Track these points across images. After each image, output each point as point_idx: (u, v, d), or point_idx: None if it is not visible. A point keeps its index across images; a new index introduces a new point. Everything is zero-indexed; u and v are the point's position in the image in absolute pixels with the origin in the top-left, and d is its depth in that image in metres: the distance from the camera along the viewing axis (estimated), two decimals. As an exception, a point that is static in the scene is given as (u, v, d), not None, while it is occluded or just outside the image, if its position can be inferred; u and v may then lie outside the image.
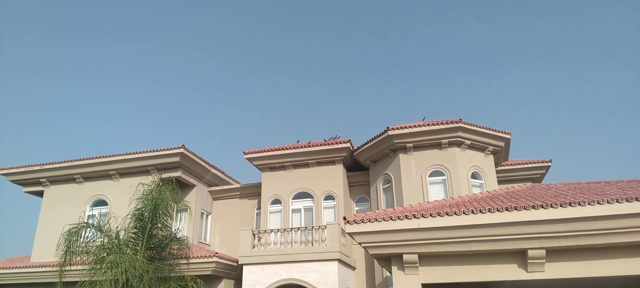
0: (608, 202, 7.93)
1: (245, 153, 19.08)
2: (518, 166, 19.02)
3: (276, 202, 18.88)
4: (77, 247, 14.07)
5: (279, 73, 68.43)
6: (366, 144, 17.70)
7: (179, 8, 64.46)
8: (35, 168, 20.52)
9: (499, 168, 18.48)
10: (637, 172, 47.98)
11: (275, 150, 18.72)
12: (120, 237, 14.44)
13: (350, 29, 65.76)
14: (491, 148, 16.91)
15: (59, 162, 20.21)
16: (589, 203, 8.01)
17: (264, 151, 18.83)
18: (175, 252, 15.15)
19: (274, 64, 68.75)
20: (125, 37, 63.51)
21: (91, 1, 59.99)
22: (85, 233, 14.86)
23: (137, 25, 64.63)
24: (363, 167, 19.07)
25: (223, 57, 68.57)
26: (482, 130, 16.40)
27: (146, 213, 14.38)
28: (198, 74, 66.72)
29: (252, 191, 20.56)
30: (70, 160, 20.01)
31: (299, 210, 18.60)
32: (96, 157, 19.64)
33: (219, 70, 68.50)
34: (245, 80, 68.01)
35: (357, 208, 18.98)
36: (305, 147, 18.41)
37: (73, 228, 14.25)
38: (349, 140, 18.05)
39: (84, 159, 19.79)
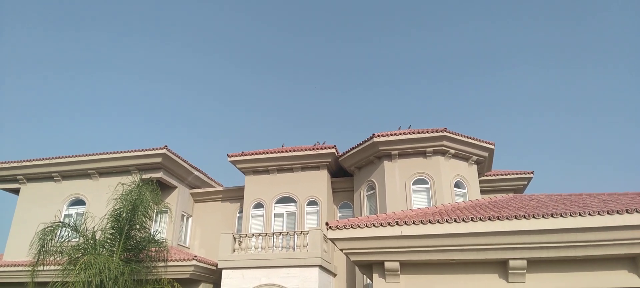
0: (590, 215, 7.92)
1: (229, 156, 18.84)
2: (500, 177, 19.17)
3: (259, 205, 18.65)
4: (51, 246, 13.67)
5: (268, 74, 68.22)
6: (351, 150, 17.62)
7: (168, 3, 63.94)
8: (11, 164, 19.99)
9: (482, 178, 18.56)
10: (618, 185, 48.88)
11: (260, 153, 18.51)
12: (97, 237, 14.08)
13: (341, 34, 65.92)
14: (475, 158, 16.98)
15: (36, 160, 19.71)
16: (570, 215, 7.99)
17: (248, 154, 18.61)
18: (153, 254, 14.82)
19: (264, 66, 68.52)
20: (114, 31, 62.74)
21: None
22: (60, 232, 14.47)
23: (126, 20, 63.89)
24: (347, 173, 18.97)
25: (212, 55, 68.12)
26: (466, 139, 16.47)
27: (124, 214, 14.05)
28: (187, 70, 66.16)
29: (235, 194, 20.30)
30: (49, 158, 19.54)
31: (281, 215, 18.40)
32: (75, 156, 19.20)
33: (209, 69, 68.01)
34: (236, 80, 67.66)
35: (340, 214, 18.86)
36: (290, 151, 18.25)
37: (48, 227, 13.85)
38: (334, 145, 17.94)
39: (62, 157, 19.34)
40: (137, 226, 14.46)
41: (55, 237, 13.96)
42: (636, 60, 48.19)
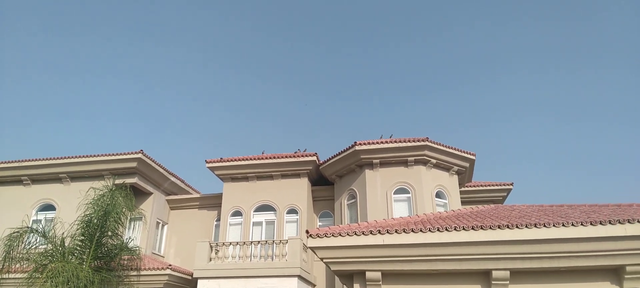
0: (573, 225, 7.85)
1: (207, 162, 18.41)
2: (480, 188, 19.21)
3: (237, 213, 18.23)
4: (17, 253, 13.04)
5: (259, 82, 67.68)
6: (333, 158, 17.42)
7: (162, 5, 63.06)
8: (-22, 167, 19.14)
9: (462, 189, 18.56)
10: (600, 196, 49.89)
11: (239, 160, 18.15)
12: (66, 244, 13.47)
13: (328, 43, 66.05)
14: (456, 168, 16.96)
15: (5, 162, 18.94)
16: (554, 225, 7.91)
17: (227, 160, 18.22)
18: (125, 262, 14.26)
19: (252, 70, 67.93)
20: (99, 35, 61.38)
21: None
22: (28, 238, 13.82)
23: (114, 23, 62.65)
24: (328, 182, 18.73)
25: (201, 58, 67.27)
26: (448, 149, 16.46)
27: (95, 220, 13.47)
28: (177, 76, 65.16)
29: (213, 202, 19.83)
30: (18, 161, 18.79)
31: (260, 223, 18.02)
32: (46, 159, 18.52)
33: (199, 74, 67.09)
34: (224, 86, 66.97)
35: (320, 223, 18.58)
36: (270, 158, 17.94)
37: (14, 232, 13.21)
38: (315, 153, 17.71)
39: (33, 160, 18.64)
40: (109, 233, 13.91)
41: (22, 243, 13.34)
42: (619, 65, 49.54)
